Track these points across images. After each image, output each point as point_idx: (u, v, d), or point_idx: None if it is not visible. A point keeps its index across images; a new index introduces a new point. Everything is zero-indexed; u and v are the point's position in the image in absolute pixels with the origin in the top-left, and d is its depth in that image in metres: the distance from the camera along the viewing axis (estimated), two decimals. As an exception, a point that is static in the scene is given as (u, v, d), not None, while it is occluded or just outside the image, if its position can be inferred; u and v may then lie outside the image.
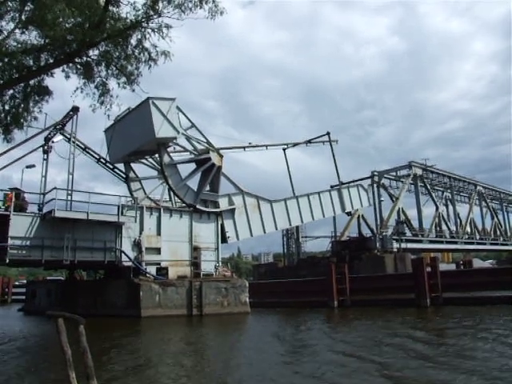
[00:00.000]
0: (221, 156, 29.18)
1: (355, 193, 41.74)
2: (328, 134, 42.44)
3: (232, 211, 30.15)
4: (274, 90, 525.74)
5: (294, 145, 42.71)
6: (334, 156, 42.77)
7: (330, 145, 42.52)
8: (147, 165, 31.78)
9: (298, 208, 35.50)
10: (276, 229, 34.07)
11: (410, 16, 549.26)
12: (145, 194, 30.51)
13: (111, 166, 31.00)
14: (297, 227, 49.56)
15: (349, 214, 44.60)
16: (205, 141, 28.91)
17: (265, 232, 32.39)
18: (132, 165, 31.23)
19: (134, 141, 27.28)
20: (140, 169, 31.61)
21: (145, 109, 25.72)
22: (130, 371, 10.01)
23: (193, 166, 29.25)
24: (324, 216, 38.84)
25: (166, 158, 27.17)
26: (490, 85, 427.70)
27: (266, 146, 38.90)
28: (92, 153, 30.18)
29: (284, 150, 42.98)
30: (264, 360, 11.05)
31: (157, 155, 28.82)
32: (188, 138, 28.47)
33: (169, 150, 27.96)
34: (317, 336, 15.44)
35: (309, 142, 42.86)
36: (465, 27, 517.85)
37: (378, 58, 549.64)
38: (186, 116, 27.99)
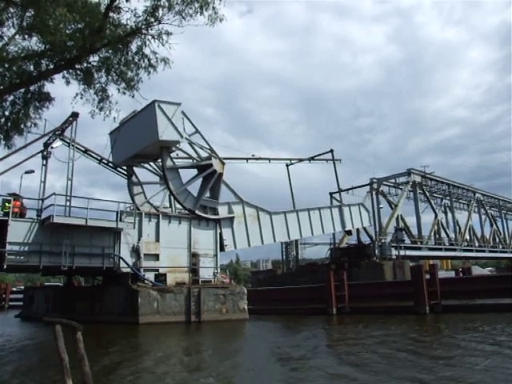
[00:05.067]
0: (223, 163, 29.17)
1: (356, 212, 41.39)
2: (331, 151, 42.60)
3: (231, 220, 30.00)
4: (272, 98, 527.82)
5: (300, 160, 42.98)
6: (336, 174, 42.96)
7: (334, 163, 42.64)
8: (149, 170, 31.78)
9: (298, 222, 35.16)
10: (274, 241, 33.68)
11: (406, 25, 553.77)
12: (145, 198, 30.49)
13: (113, 166, 31.05)
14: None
15: (349, 232, 44.36)
16: (208, 147, 28.96)
17: (263, 243, 32.04)
18: (134, 169, 31.18)
19: (137, 143, 27.28)
20: (142, 174, 31.64)
21: (150, 111, 25.79)
22: (127, 379, 9.95)
23: (194, 172, 29.24)
24: (324, 232, 38.59)
25: (168, 162, 27.19)
26: (487, 93, 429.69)
27: (269, 159, 38.96)
28: (93, 154, 30.23)
29: (287, 165, 43.29)
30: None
31: (159, 160, 28.86)
32: (191, 144, 28.51)
33: (172, 155, 27.99)
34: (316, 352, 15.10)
35: (312, 158, 43.12)
36: (460, 36, 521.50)
37: (375, 66, 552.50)
38: (190, 122, 28.03)
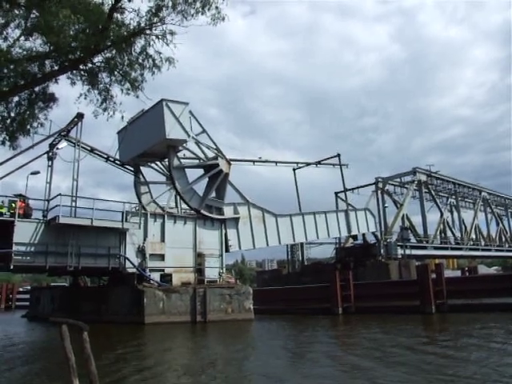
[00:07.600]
0: (229, 163, 29.17)
1: (362, 217, 41.08)
2: (338, 155, 42.51)
3: (236, 220, 29.91)
4: (276, 98, 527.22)
5: (307, 165, 42.93)
6: (343, 178, 42.85)
7: (341, 168, 42.48)
8: (156, 169, 31.85)
9: (304, 225, 34.92)
10: (279, 243, 33.43)
11: (409, 24, 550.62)
12: (151, 198, 30.53)
13: (120, 163, 31.09)
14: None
15: (355, 237, 44.12)
16: (214, 147, 28.99)
17: (268, 245, 31.86)
18: (141, 169, 31.19)
19: (144, 141, 27.38)
20: (148, 174, 31.71)
21: (158, 110, 25.92)
22: (134, 378, 9.96)
23: (200, 172, 29.31)
24: (329, 236, 38.46)
25: (174, 161, 27.28)
26: (490, 92, 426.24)
27: (276, 162, 38.93)
28: (99, 153, 30.31)
29: (294, 169, 43.28)
30: None
31: (166, 160, 28.93)
32: (198, 143, 28.56)
33: (179, 155, 28.06)
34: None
35: (319, 162, 42.99)
36: (464, 35, 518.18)
37: (379, 65, 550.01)
38: (197, 121, 28.14)
